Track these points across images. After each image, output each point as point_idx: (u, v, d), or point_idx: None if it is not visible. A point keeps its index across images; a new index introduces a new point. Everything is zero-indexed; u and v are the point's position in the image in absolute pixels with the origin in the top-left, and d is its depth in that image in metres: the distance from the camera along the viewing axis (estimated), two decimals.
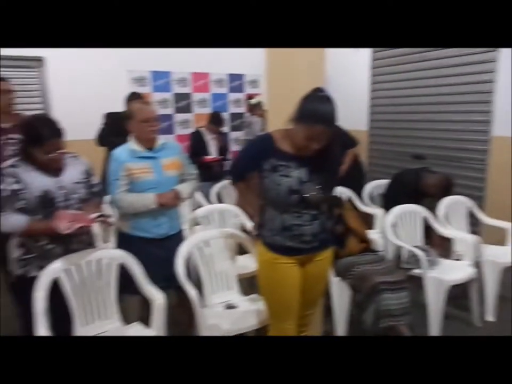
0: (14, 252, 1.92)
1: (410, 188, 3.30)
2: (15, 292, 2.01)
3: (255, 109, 4.86)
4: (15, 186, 1.81)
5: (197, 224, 2.94)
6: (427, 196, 3.32)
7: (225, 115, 5.21)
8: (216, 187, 3.83)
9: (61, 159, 1.92)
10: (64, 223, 1.80)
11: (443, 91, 4.10)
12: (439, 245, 3.19)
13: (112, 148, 3.49)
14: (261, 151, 1.76)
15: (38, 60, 4.23)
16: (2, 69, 3.96)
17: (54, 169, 1.91)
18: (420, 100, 4.36)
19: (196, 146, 4.24)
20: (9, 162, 1.88)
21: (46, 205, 1.86)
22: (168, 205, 2.22)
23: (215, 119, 4.34)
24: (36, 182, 1.85)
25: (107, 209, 2.65)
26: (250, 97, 4.97)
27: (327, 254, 1.92)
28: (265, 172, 1.74)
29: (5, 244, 2.11)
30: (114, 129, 3.56)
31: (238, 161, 1.96)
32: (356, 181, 4.04)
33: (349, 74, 5.03)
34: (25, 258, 1.90)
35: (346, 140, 4.00)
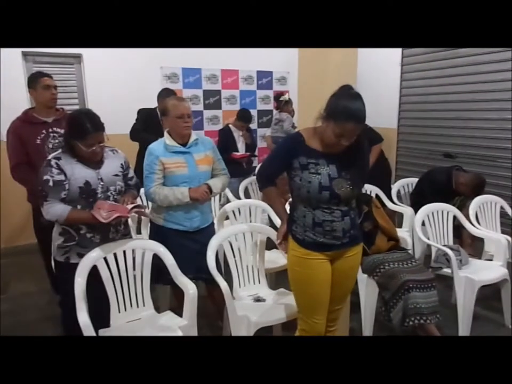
0: (56, 239, 2.02)
1: (441, 186, 3.28)
2: (57, 277, 2.11)
3: (286, 106, 4.87)
4: (59, 177, 1.91)
5: (226, 218, 3.00)
6: (458, 195, 3.29)
7: (253, 112, 5.27)
8: (244, 183, 3.88)
9: (102, 152, 2.01)
10: (103, 213, 1.89)
11: (475, 89, 4.03)
12: (469, 244, 3.16)
13: (143, 143, 3.62)
14: (291, 149, 1.80)
15: (76, 56, 4.40)
16: (41, 65, 4.15)
17: (94, 161, 2.00)
18: (450, 98, 4.29)
19: (224, 142, 4.29)
20: (53, 154, 1.98)
21: (87, 195, 1.95)
22: (201, 199, 2.28)
23: (243, 116, 4.38)
24: (78, 173, 1.94)
25: (141, 201, 2.75)
26: (280, 94, 4.98)
27: (357, 250, 1.94)
28: (295, 170, 1.78)
29: (47, 232, 2.22)
30: (146, 125, 3.67)
31: (267, 165, 1.98)
32: (382, 177, 4.03)
33: (379, 72, 4.99)
34: (67, 245, 2.00)
35: (371, 136, 4.00)
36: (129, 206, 2.01)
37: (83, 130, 1.89)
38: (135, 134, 3.72)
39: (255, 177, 3.74)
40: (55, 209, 1.90)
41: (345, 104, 1.64)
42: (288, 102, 4.84)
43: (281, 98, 4.83)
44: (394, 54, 4.82)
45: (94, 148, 1.93)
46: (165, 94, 3.70)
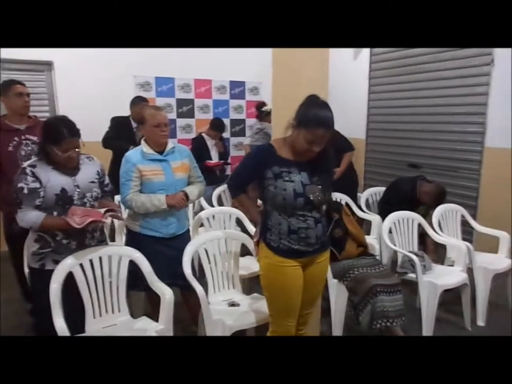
0: (32, 246, 2.01)
1: (406, 195, 3.43)
2: (32, 284, 2.09)
3: (268, 116, 4.93)
4: (34, 185, 1.91)
5: (201, 225, 3.04)
6: (421, 204, 3.45)
7: (226, 121, 5.34)
8: (217, 191, 3.94)
9: (77, 158, 2.03)
10: (76, 218, 1.90)
11: (439, 102, 4.24)
12: (432, 251, 3.31)
13: (116, 150, 3.63)
14: (263, 160, 1.87)
15: (47, 64, 4.36)
16: (11, 72, 4.09)
17: (70, 168, 2.01)
18: (416, 111, 4.49)
19: (197, 151, 4.33)
20: (29, 162, 1.98)
21: (63, 202, 1.96)
22: (178, 206, 2.32)
23: (216, 125, 4.44)
24: (54, 180, 1.95)
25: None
26: (262, 104, 5.03)
27: (326, 256, 2.03)
28: (268, 180, 1.85)
29: (18, 240, 2.21)
30: (118, 133, 3.69)
31: (239, 174, 2.03)
32: (349, 185, 4.16)
33: (349, 84, 5.16)
34: (42, 252, 1.99)
35: (343, 144, 4.14)
36: (103, 210, 2.03)
37: (59, 135, 1.91)
38: (107, 142, 3.73)
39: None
40: (30, 217, 1.90)
41: (315, 112, 1.74)
42: (270, 112, 4.93)
43: (263, 109, 4.89)
44: (362, 67, 5.01)
45: (70, 153, 1.94)
46: (137, 101, 3.76)
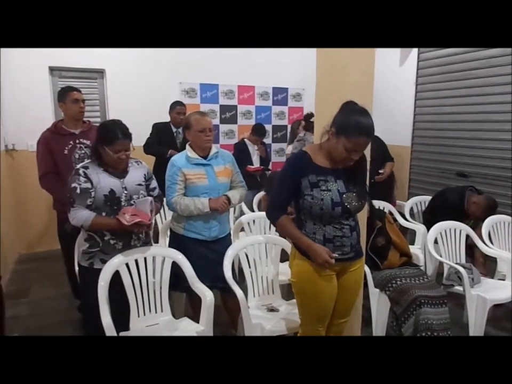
0: (82, 244, 2.12)
1: (453, 206, 3.30)
2: (81, 282, 2.20)
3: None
4: (86, 185, 2.01)
5: (241, 230, 3.07)
6: (469, 216, 3.30)
7: (268, 127, 5.37)
8: (258, 196, 3.96)
9: (127, 161, 2.12)
10: (127, 216, 1.99)
11: (489, 109, 4.08)
12: (482, 263, 3.16)
13: (156, 155, 3.77)
14: (300, 168, 1.81)
15: (100, 71, 4.58)
16: (67, 79, 4.33)
17: (120, 170, 2.10)
18: (464, 118, 4.34)
19: (239, 156, 4.38)
20: (82, 164, 2.10)
21: (111, 203, 2.05)
22: (220, 210, 2.36)
23: (258, 131, 4.49)
24: (103, 181, 2.05)
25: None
26: (310, 115, 4.98)
27: (360, 264, 1.98)
28: (304, 189, 1.80)
29: (70, 239, 2.32)
30: (159, 139, 3.83)
31: (278, 191, 1.89)
32: (387, 192, 4.08)
33: (394, 91, 5.07)
34: (91, 251, 2.09)
35: (385, 154, 4.09)
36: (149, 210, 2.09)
37: (112, 136, 2.00)
38: (148, 147, 3.86)
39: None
40: (81, 215, 2.00)
41: (356, 120, 1.68)
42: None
43: (312, 119, 4.86)
44: (409, 73, 4.91)
45: (120, 154, 2.03)
46: (174, 106, 3.94)
